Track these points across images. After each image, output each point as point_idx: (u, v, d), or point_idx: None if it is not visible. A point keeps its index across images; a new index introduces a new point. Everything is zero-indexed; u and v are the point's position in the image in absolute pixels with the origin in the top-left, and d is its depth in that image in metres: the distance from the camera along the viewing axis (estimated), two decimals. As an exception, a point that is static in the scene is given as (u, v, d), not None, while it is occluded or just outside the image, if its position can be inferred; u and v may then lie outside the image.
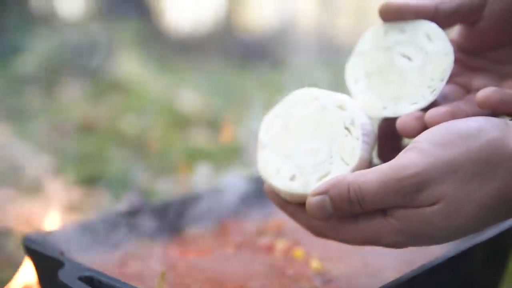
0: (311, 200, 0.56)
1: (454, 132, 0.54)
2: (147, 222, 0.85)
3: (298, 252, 0.80)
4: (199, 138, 2.06)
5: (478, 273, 0.76)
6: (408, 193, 0.53)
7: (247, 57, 3.56)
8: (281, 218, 0.92)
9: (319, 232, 0.61)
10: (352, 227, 0.57)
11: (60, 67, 2.72)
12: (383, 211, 0.55)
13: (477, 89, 0.62)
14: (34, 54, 2.72)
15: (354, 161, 0.60)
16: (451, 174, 0.52)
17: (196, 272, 0.76)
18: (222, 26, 4.59)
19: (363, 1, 4.72)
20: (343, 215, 0.56)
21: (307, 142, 0.62)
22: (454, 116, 0.59)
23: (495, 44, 0.66)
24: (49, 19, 3.62)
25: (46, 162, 1.68)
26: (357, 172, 0.55)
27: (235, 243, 0.85)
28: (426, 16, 0.64)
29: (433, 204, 0.53)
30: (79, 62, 2.81)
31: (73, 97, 2.50)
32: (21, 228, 1.19)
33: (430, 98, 0.62)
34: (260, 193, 0.98)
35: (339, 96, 0.63)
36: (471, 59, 0.68)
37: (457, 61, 0.66)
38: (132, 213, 0.85)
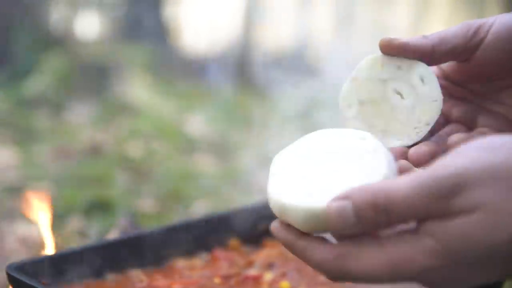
0: (331, 206, 0.49)
1: (496, 141, 0.49)
2: (135, 251, 0.85)
3: (285, 285, 0.79)
4: (205, 162, 2.06)
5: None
6: (444, 196, 0.47)
7: (262, 80, 3.55)
8: (270, 250, 0.92)
9: (335, 271, 0.51)
10: (376, 252, 0.49)
11: (70, 89, 2.74)
12: (414, 230, 0.49)
13: (456, 119, 0.66)
14: (45, 76, 2.75)
15: (378, 178, 0.53)
16: (494, 180, 0.47)
17: (180, 303, 0.75)
18: (238, 47, 4.60)
19: (381, 21, 4.74)
20: (366, 227, 0.49)
21: (327, 165, 0.58)
22: (433, 156, 0.60)
23: (481, 79, 0.67)
24: (63, 40, 3.65)
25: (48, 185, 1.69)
26: (385, 180, 0.50)
27: (223, 274, 0.84)
28: (424, 55, 0.65)
29: (471, 211, 0.46)
30: (89, 84, 2.83)
31: (81, 120, 2.52)
32: (16, 253, 1.19)
33: (414, 138, 0.64)
34: (254, 224, 0.98)
35: (361, 132, 0.61)
36: (455, 88, 0.69)
37: (441, 87, 0.67)
38: (120, 243, 0.85)
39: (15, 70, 2.85)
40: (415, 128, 0.64)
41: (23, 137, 2.25)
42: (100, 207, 1.44)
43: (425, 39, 0.65)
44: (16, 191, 1.66)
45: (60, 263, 0.79)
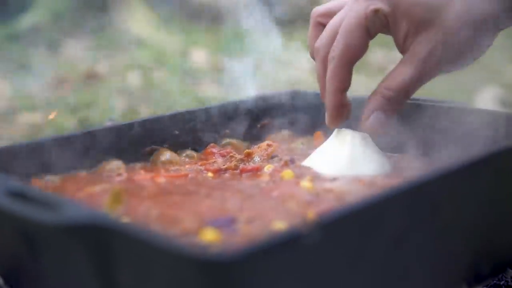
0: None
1: None
2: (116, 144, 0.73)
3: (287, 174, 0.67)
4: (208, 89, 1.94)
5: (503, 186, 0.62)
6: None
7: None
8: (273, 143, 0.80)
9: None
10: None
11: (67, 23, 2.61)
12: None
13: None
14: (40, 10, 2.62)
15: None
16: None
17: (164, 195, 0.64)
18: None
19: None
20: None
21: None
22: None
23: None
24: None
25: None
26: None
27: (218, 167, 0.72)
28: None
29: None
30: (87, 18, 2.70)
31: (79, 53, 2.39)
32: None
33: None
34: (254, 119, 0.86)
35: None
36: None
37: None
38: (101, 133, 0.73)
39: (8, 4, 2.72)
40: None
41: (18, 70, 2.14)
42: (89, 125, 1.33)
43: None
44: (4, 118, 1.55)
45: (34, 152, 0.67)
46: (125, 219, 0.56)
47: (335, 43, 0.64)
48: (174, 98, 1.73)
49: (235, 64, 2.39)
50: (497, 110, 0.75)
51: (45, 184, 0.66)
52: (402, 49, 0.64)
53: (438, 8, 0.61)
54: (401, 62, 0.64)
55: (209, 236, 0.51)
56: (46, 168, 0.68)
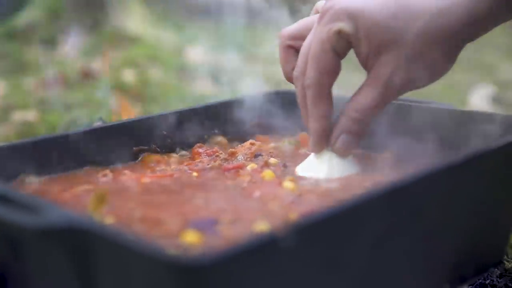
0: None
1: None
2: (103, 145, 0.74)
3: (268, 174, 0.68)
4: (203, 86, 1.94)
5: (485, 187, 0.63)
6: None
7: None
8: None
9: None
10: None
11: (62, 21, 2.61)
12: None
13: None
14: (36, 8, 2.61)
15: None
16: None
17: (148, 195, 0.64)
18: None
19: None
20: None
21: None
22: None
23: None
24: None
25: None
26: None
27: (203, 167, 0.73)
28: None
29: None
30: (83, 16, 2.70)
31: (75, 52, 2.39)
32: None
33: None
34: (244, 119, 0.86)
35: None
36: None
37: None
38: (87, 134, 0.73)
39: (4, 2, 2.72)
40: None
41: (14, 69, 2.14)
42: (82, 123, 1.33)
43: None
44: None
45: (21, 153, 0.68)
46: (109, 221, 0.56)
47: (307, 71, 0.64)
48: (170, 96, 1.74)
49: (231, 62, 2.39)
50: (480, 111, 0.75)
51: (28, 185, 0.67)
52: (366, 69, 0.64)
53: (398, 28, 0.60)
54: (365, 83, 0.63)
55: (190, 238, 0.52)
56: (30, 170, 0.68)
